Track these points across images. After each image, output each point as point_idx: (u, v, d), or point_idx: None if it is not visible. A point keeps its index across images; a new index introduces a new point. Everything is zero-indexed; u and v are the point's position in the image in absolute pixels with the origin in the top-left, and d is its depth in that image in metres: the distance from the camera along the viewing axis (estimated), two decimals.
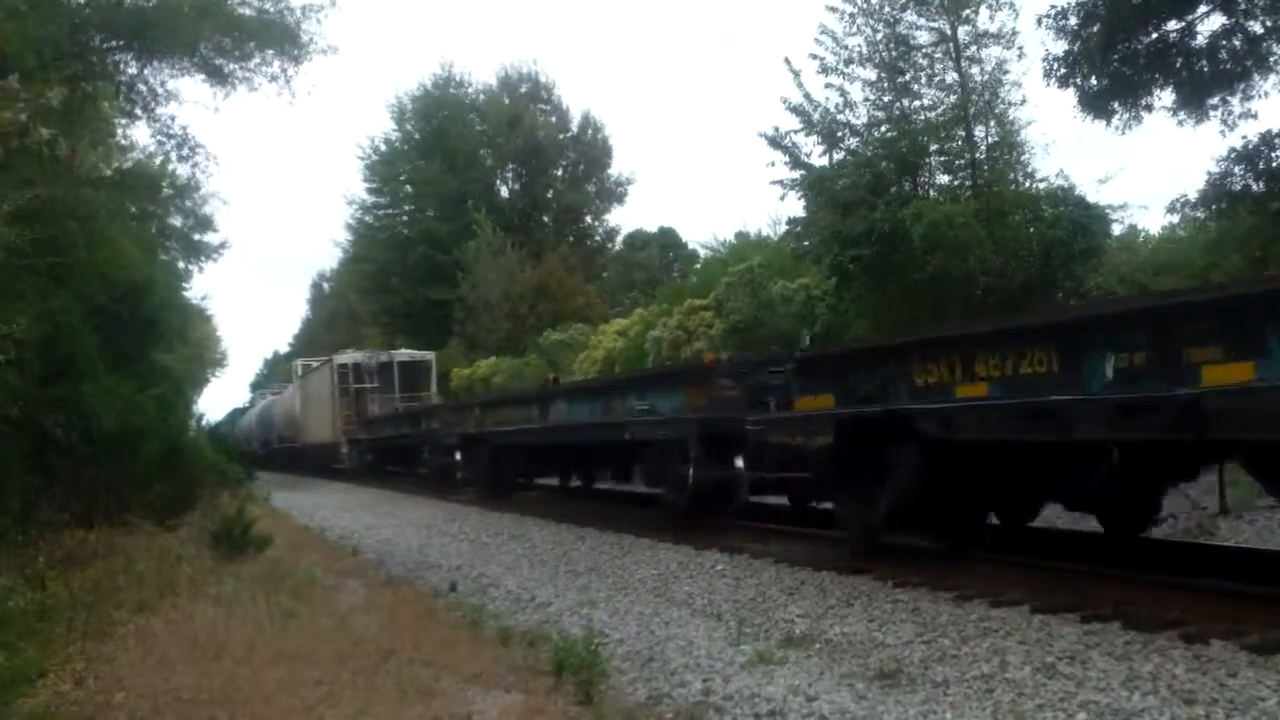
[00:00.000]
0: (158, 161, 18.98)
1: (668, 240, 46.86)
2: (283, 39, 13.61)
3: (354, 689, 5.15)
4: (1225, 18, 14.10)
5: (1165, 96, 14.56)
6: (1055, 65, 14.84)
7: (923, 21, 17.50)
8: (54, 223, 9.28)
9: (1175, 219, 17.40)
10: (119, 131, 15.81)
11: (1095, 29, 14.23)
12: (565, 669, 5.64)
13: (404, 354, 34.49)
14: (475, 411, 19.13)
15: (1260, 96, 14.34)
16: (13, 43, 8.26)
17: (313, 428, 35.25)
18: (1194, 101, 14.40)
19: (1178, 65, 14.19)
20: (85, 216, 10.75)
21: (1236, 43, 14.15)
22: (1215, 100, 14.39)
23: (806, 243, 18.98)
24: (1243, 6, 13.98)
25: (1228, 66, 14.07)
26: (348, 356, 33.53)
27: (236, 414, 60.37)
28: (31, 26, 9.05)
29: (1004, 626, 6.10)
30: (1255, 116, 14.43)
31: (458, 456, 19.64)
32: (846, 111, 17.96)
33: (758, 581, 8.26)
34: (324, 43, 14.10)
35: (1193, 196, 14.87)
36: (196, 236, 28.24)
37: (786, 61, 18.33)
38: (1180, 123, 14.62)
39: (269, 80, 13.96)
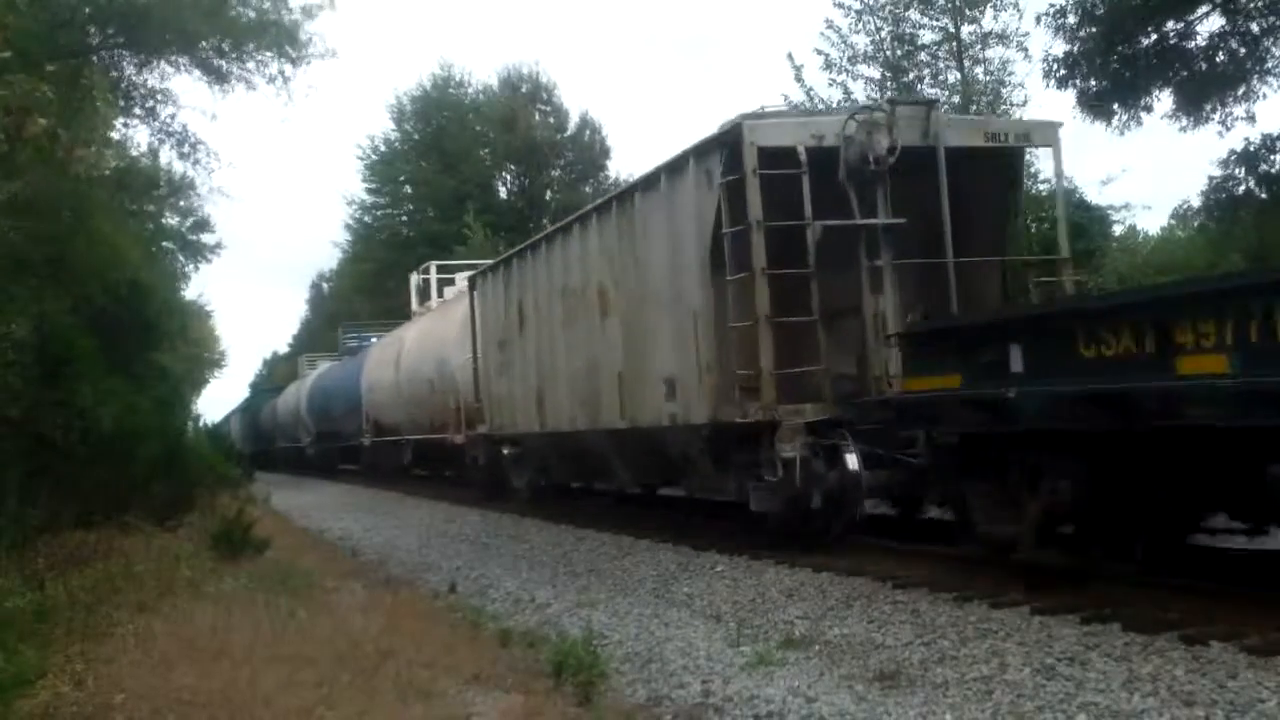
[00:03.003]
0: (153, 160, 18.93)
1: None
2: (281, 40, 13.56)
3: (353, 690, 5.15)
4: (1224, 19, 14.12)
5: (1165, 99, 14.58)
6: (1055, 66, 14.86)
7: (926, 20, 17.53)
8: (49, 215, 9.27)
9: (1175, 219, 17.43)
10: (116, 129, 15.77)
11: (1094, 30, 14.24)
12: (565, 670, 5.65)
13: (967, 122, 11.62)
14: None
15: (1260, 98, 14.37)
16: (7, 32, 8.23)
17: (557, 397, 13.23)
18: (1193, 104, 14.42)
19: (1177, 67, 14.20)
20: (83, 213, 10.74)
21: (1235, 44, 14.16)
22: (1213, 103, 14.41)
23: None
24: (1241, 7, 13.98)
25: (1227, 69, 14.08)
26: (780, 127, 9.21)
27: (256, 399, 48.69)
28: (24, 19, 9.02)
29: (1003, 628, 6.09)
30: (1254, 119, 14.44)
31: None
32: None
33: (757, 582, 8.25)
34: (323, 46, 14.08)
35: (1196, 203, 14.90)
36: (193, 236, 28.13)
37: (789, 57, 18.21)
38: (1183, 129, 14.64)
39: (267, 81, 13.93)
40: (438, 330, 20.11)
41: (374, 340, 28.47)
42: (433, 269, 24.58)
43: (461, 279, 20.28)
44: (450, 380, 18.50)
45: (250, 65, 13.71)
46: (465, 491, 18.22)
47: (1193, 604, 6.05)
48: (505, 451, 15.59)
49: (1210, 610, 5.88)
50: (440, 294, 22.76)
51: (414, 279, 25.68)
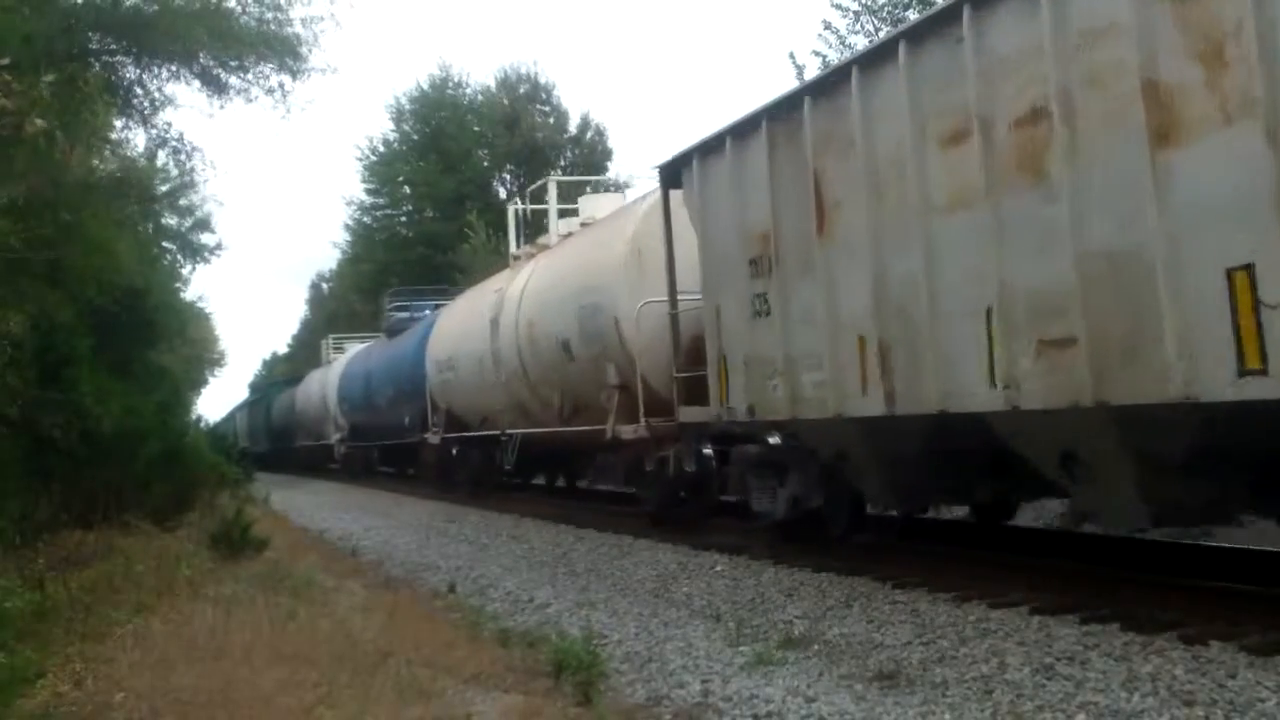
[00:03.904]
0: (150, 162, 18.91)
1: None
2: (282, 52, 13.48)
3: (353, 690, 5.15)
4: None
5: None
6: None
7: None
8: (48, 217, 9.27)
9: None
10: (114, 129, 15.74)
11: None
12: (564, 670, 5.64)
13: None
14: None
15: None
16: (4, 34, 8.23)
17: None
18: None
19: None
20: (79, 218, 10.75)
21: None
22: None
23: None
24: None
25: None
26: None
27: (268, 390, 44.28)
28: (23, 21, 9.03)
29: (1003, 627, 6.10)
30: None
31: None
32: None
33: (756, 582, 8.26)
34: (323, 60, 14.08)
35: None
36: (193, 236, 28.06)
37: (791, 56, 18.14)
38: None
39: (265, 93, 13.82)
40: (581, 265, 12.98)
41: (428, 312, 22.81)
42: (551, 187, 17.20)
43: (591, 202, 14.90)
44: (609, 339, 11.79)
45: (250, 77, 13.65)
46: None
47: (1192, 603, 6.05)
48: (707, 451, 10.14)
49: (1209, 610, 5.89)
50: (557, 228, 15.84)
51: (512, 210, 18.42)
